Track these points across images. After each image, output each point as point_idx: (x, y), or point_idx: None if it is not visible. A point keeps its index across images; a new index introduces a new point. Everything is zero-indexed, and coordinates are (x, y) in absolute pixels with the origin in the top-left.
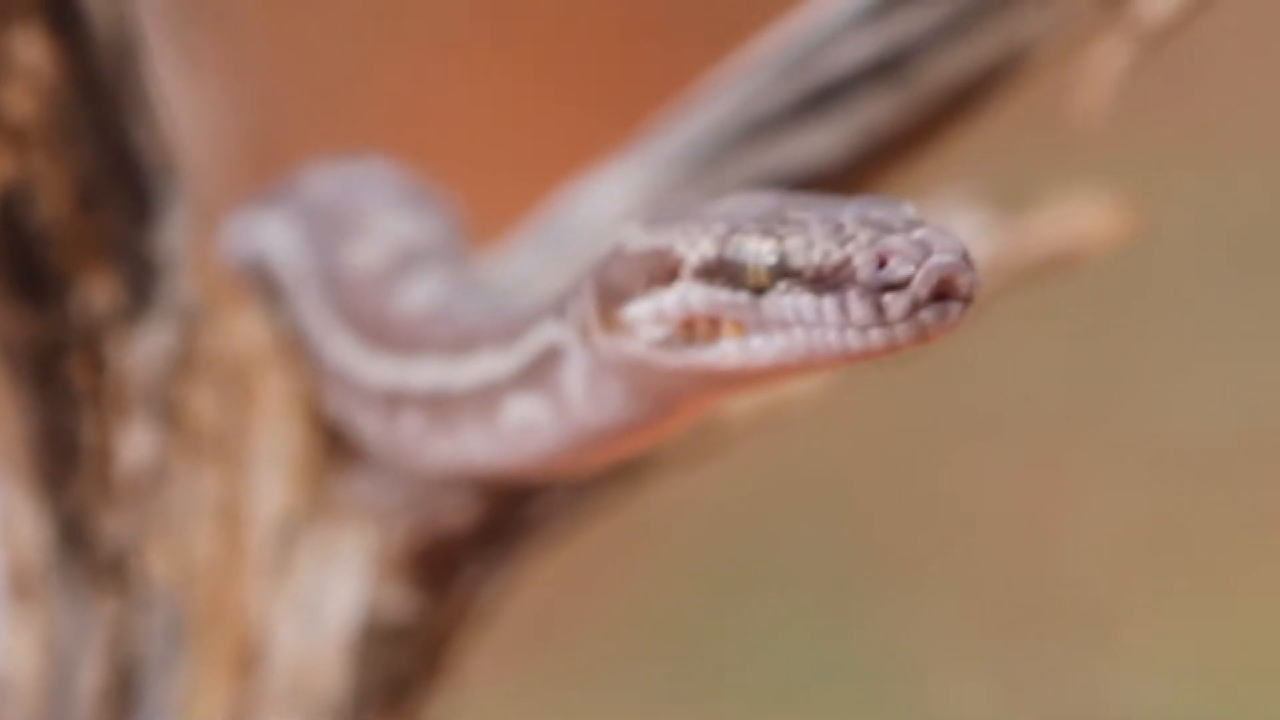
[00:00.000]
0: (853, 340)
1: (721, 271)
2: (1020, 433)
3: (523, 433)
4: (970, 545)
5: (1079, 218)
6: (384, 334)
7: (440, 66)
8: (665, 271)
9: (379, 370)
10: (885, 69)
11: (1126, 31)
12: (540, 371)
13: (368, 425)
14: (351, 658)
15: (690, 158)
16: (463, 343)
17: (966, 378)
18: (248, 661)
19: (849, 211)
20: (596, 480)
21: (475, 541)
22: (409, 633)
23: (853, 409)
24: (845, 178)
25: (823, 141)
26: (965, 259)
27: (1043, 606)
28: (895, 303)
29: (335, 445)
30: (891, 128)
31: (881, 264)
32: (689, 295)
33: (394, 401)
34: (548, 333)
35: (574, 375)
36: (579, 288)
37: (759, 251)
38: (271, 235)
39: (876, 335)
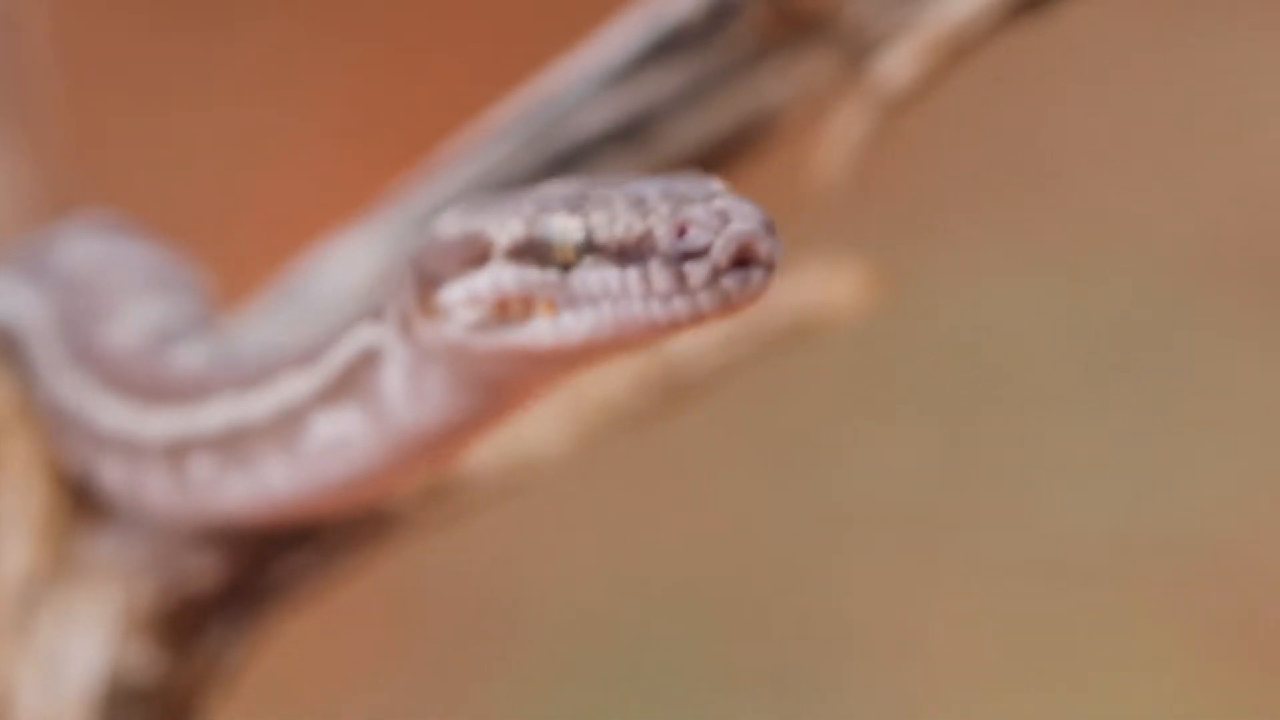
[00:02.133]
0: (657, 310)
1: (530, 250)
2: (887, 528)
3: (332, 451)
4: (837, 648)
5: (823, 285)
6: (160, 390)
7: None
8: (477, 254)
9: (157, 424)
10: (628, 134)
11: (866, 99)
12: (352, 381)
13: (149, 486)
14: (95, 719)
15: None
16: (255, 376)
17: (834, 471)
18: None
19: (653, 186)
20: (345, 542)
21: (222, 602)
22: (153, 693)
23: (717, 496)
24: None
25: None
26: (766, 226)
27: (904, 705)
28: (696, 271)
29: (80, 505)
30: None
31: (681, 233)
32: (500, 275)
33: (178, 452)
34: (361, 338)
35: (393, 376)
36: (398, 284)
37: (565, 228)
38: (18, 302)
39: (680, 304)
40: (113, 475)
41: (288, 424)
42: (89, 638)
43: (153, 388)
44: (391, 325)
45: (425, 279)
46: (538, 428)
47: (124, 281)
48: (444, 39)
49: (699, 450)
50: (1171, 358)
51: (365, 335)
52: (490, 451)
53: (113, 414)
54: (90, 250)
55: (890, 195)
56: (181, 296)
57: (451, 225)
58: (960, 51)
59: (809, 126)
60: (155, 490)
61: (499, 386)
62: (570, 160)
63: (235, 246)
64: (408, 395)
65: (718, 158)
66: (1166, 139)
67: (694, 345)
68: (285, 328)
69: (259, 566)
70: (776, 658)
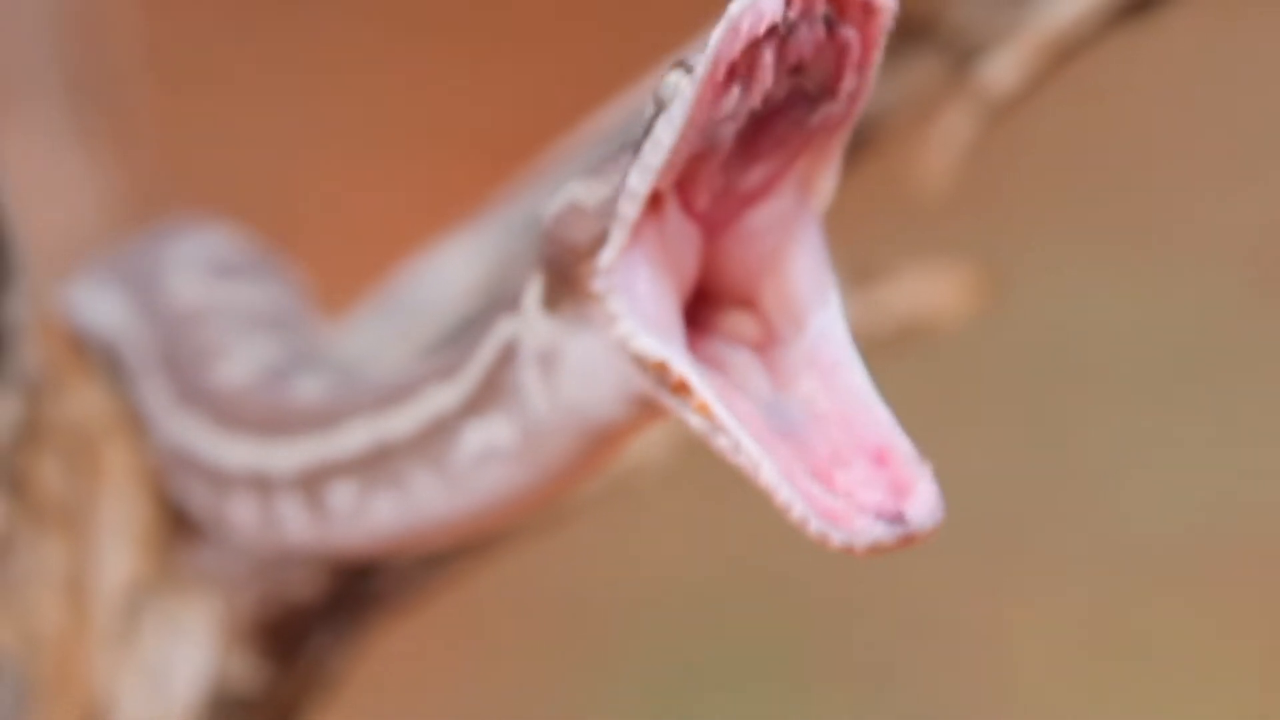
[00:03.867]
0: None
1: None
2: (971, 529)
3: (482, 463)
4: (922, 646)
5: (929, 290)
6: (284, 421)
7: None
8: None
9: (287, 456)
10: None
11: (970, 104)
12: (495, 384)
13: (285, 521)
14: None
15: (535, 227)
16: (395, 394)
17: None
18: None
19: None
20: (447, 549)
21: (323, 611)
22: (256, 703)
23: None
24: None
25: None
26: None
27: (987, 708)
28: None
29: (181, 517)
30: None
31: None
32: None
33: (315, 481)
34: (502, 332)
35: (528, 369)
36: (527, 279)
37: (672, 82)
38: (123, 323)
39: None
40: (242, 515)
41: (436, 438)
42: (192, 647)
43: (275, 420)
44: (532, 309)
45: (570, 254)
46: (642, 435)
47: (232, 318)
48: (535, 40)
49: None
50: (1257, 360)
51: (504, 330)
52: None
53: (235, 452)
54: (195, 274)
55: (980, 200)
56: (290, 332)
57: (591, 188)
58: (1065, 55)
59: (914, 132)
60: (293, 524)
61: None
62: None
63: (324, 249)
64: (545, 387)
65: None
66: (1255, 144)
67: None
68: (389, 336)
69: (361, 575)
70: (860, 659)
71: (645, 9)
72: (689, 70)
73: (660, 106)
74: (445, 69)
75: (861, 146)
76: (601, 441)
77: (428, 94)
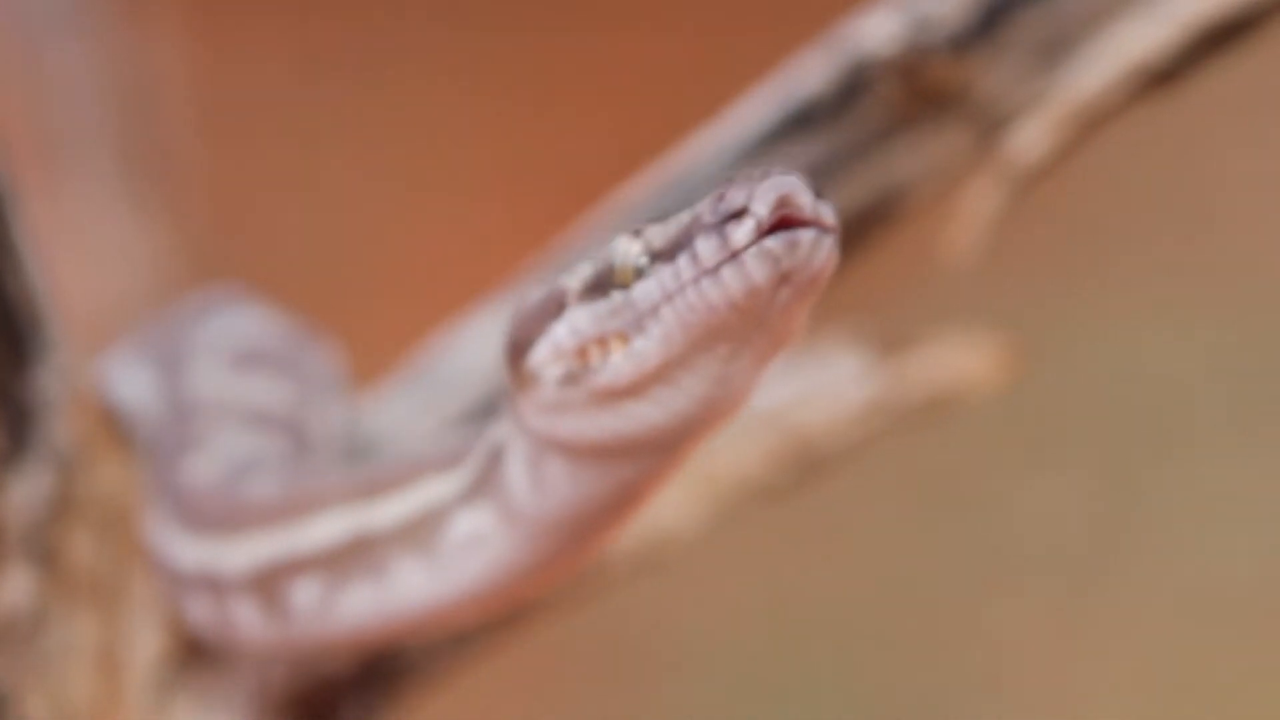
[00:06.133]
0: (709, 288)
1: (598, 285)
2: (1040, 578)
3: (467, 550)
4: (987, 695)
5: (957, 359)
6: (234, 519)
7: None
8: (555, 306)
9: (243, 553)
10: None
11: (999, 173)
12: (485, 479)
13: (239, 619)
14: None
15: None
16: (376, 486)
17: (985, 517)
18: None
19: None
20: (478, 623)
21: (354, 684)
22: None
23: (866, 553)
24: None
25: None
26: (806, 183)
27: None
28: (736, 230)
29: None
30: None
31: (720, 200)
32: (575, 318)
33: (272, 579)
34: (493, 435)
35: (515, 467)
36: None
37: (626, 249)
38: (144, 398)
39: (729, 274)
40: (198, 616)
41: (425, 526)
42: None
43: (227, 517)
44: (508, 414)
45: (515, 350)
46: (672, 507)
47: (226, 412)
48: (592, 94)
49: (851, 499)
50: None
51: (495, 433)
52: (625, 532)
53: (189, 550)
54: (216, 361)
55: (1031, 254)
56: (285, 430)
57: (535, 292)
58: (1092, 125)
59: (941, 201)
60: (247, 626)
61: (613, 463)
62: None
63: (382, 303)
64: (532, 485)
65: (849, 232)
66: None
67: (829, 420)
68: (417, 408)
69: (393, 648)
70: (923, 698)
71: (701, 65)
72: (647, 251)
73: (609, 278)
74: (507, 121)
75: (889, 217)
76: (579, 528)
77: (486, 148)
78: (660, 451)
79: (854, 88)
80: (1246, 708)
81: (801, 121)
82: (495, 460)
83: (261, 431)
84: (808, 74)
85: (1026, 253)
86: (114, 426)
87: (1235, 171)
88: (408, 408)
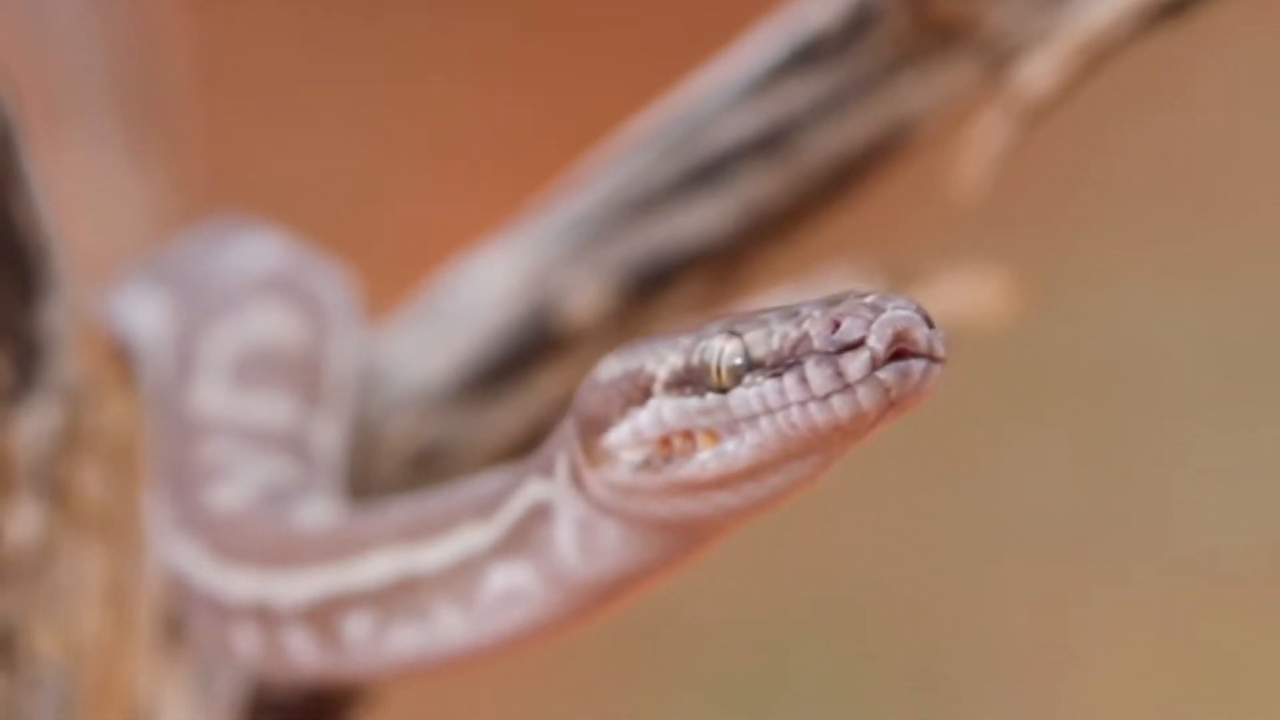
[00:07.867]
0: (816, 413)
1: (690, 380)
2: (1035, 544)
3: (506, 603)
4: (987, 660)
5: (965, 293)
6: (287, 552)
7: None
8: (639, 391)
9: (299, 586)
10: (768, 145)
11: (1007, 107)
12: (525, 535)
13: (293, 648)
14: None
15: (574, 235)
16: (420, 529)
17: (981, 480)
18: None
19: (809, 302)
20: None
21: None
22: (298, 709)
23: (862, 522)
24: (730, 253)
25: (707, 217)
26: (923, 315)
27: (1054, 715)
28: (852, 362)
29: None
30: (775, 203)
31: (835, 328)
32: (662, 409)
33: (328, 612)
34: (532, 493)
35: (565, 530)
36: (563, 436)
37: (721, 350)
38: (150, 326)
39: (839, 402)
40: (244, 647)
41: (463, 575)
42: None
43: (278, 550)
44: (561, 479)
45: (589, 425)
46: None
47: (242, 433)
48: (583, 52)
49: (845, 461)
50: None
51: (535, 491)
52: None
53: (236, 583)
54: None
55: (1035, 203)
56: (298, 451)
57: (612, 367)
58: (1101, 58)
59: (949, 135)
60: (302, 655)
61: (673, 534)
62: (709, 171)
63: (375, 256)
64: (581, 549)
65: (857, 167)
66: None
67: None
68: (428, 342)
69: None
70: (926, 667)
71: (682, 27)
72: (743, 354)
73: (701, 375)
74: (497, 80)
75: (898, 150)
76: (623, 589)
77: (482, 104)
78: (725, 529)
79: (862, 21)
80: (1238, 668)
81: (809, 55)
82: (537, 519)
83: (269, 450)
84: (815, 7)
85: (1026, 206)
86: (122, 360)
87: (1244, 140)
88: (419, 341)
